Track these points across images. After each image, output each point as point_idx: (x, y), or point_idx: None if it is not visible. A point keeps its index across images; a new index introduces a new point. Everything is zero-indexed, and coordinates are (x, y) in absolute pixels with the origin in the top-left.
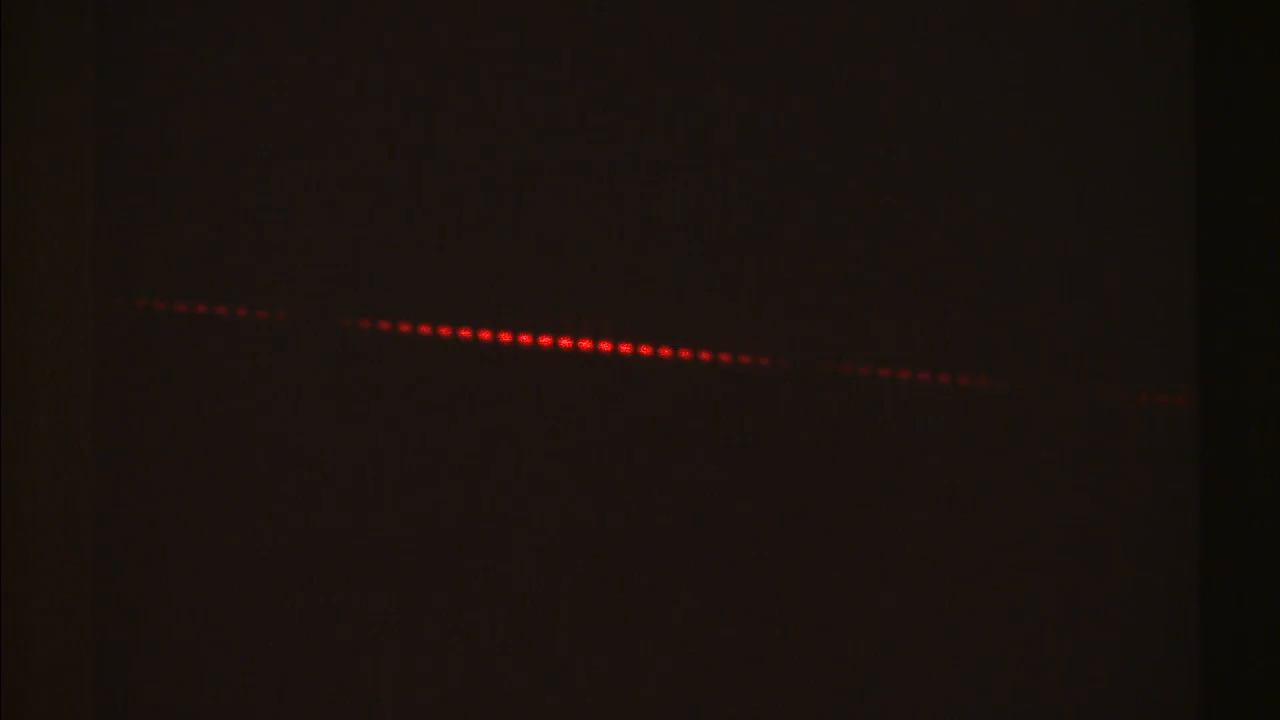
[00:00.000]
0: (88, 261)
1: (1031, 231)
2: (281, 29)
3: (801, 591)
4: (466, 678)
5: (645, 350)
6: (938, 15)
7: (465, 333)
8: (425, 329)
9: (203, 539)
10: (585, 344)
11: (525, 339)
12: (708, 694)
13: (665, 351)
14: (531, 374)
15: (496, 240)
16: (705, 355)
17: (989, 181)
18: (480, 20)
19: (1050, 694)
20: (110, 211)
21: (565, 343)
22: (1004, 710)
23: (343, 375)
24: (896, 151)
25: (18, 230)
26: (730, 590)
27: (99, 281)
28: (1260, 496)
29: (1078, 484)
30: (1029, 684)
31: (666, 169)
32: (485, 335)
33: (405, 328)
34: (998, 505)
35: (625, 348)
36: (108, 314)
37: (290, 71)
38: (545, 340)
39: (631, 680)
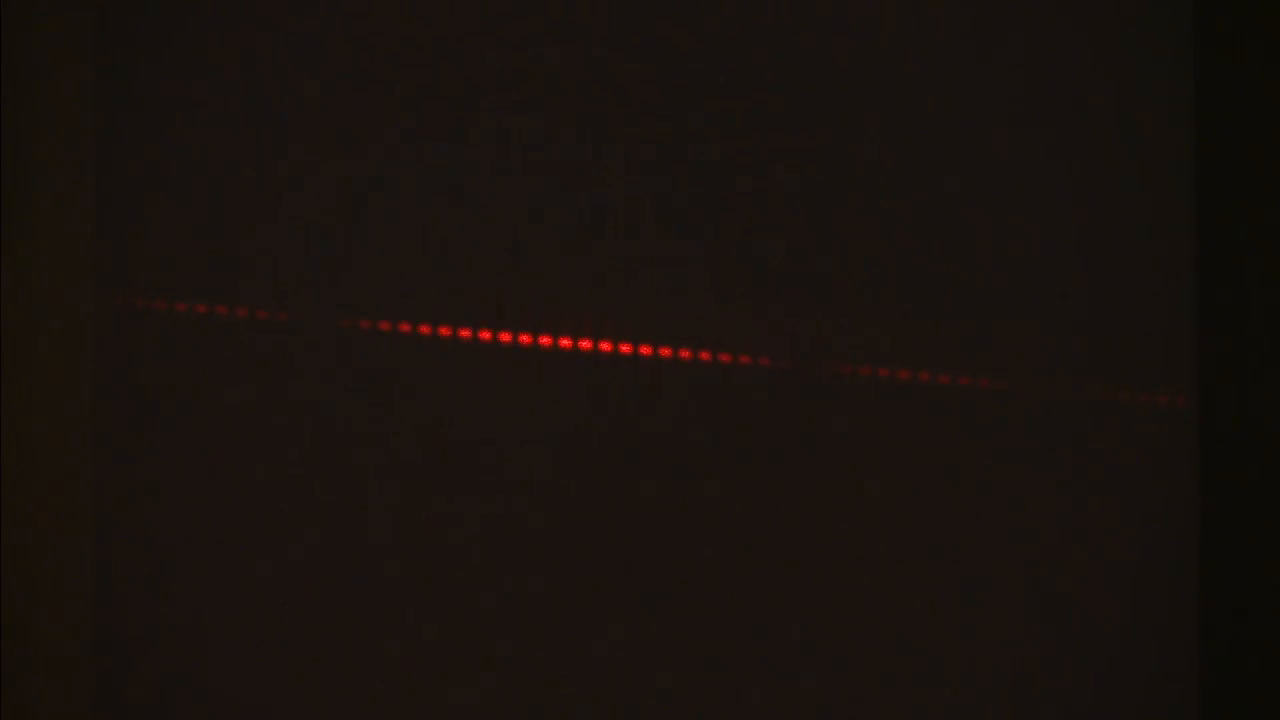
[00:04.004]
0: (88, 261)
1: (1031, 232)
2: (282, 29)
3: (801, 591)
4: (466, 676)
5: (645, 350)
6: (938, 15)
7: (465, 333)
8: (425, 329)
9: (202, 539)
10: (585, 344)
11: (525, 339)
12: (707, 694)
13: (665, 351)
14: (531, 374)
15: (496, 240)
16: (705, 355)
17: (989, 182)
18: (481, 20)
19: (1050, 693)
20: (110, 211)
21: (565, 343)
22: (1003, 710)
23: (343, 375)
24: (896, 152)
25: (18, 230)
26: (730, 590)
27: (99, 281)
28: (1260, 496)
29: (1078, 484)
30: (1029, 683)
31: (667, 169)
32: (485, 335)
33: (405, 328)
34: (998, 505)
35: (625, 348)
36: (108, 314)
37: (290, 71)
38: (545, 340)
39: (631, 680)
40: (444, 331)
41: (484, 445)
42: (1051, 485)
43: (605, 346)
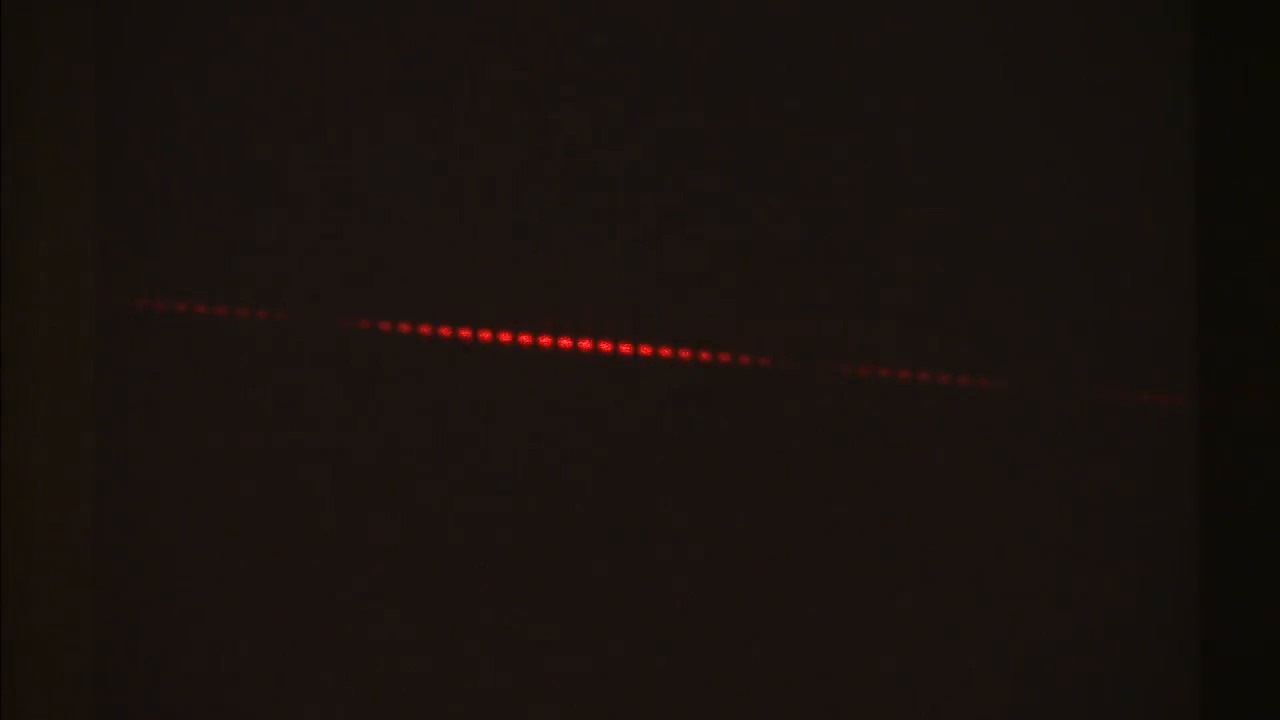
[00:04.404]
0: (88, 261)
1: (1031, 231)
2: (282, 29)
3: (801, 591)
4: (467, 677)
5: (645, 350)
6: (937, 15)
7: (465, 333)
8: (425, 329)
9: (202, 539)
10: (585, 344)
11: (525, 339)
12: (708, 694)
13: (665, 351)
14: (532, 374)
15: (497, 240)
16: (705, 355)
17: (989, 181)
18: (482, 22)
19: (1050, 693)
20: (110, 211)
21: (565, 343)
22: (1003, 710)
23: (343, 375)
24: (896, 152)
25: (18, 230)
26: (730, 590)
27: (99, 281)
28: (1260, 496)
29: (1078, 484)
30: (1028, 683)
31: (668, 169)
32: (485, 335)
33: (405, 328)
34: (998, 505)
35: (625, 348)
36: (108, 314)
37: (291, 71)
38: (545, 340)
39: (632, 680)
40: (444, 331)
41: (484, 445)
42: (1051, 485)
43: (605, 346)
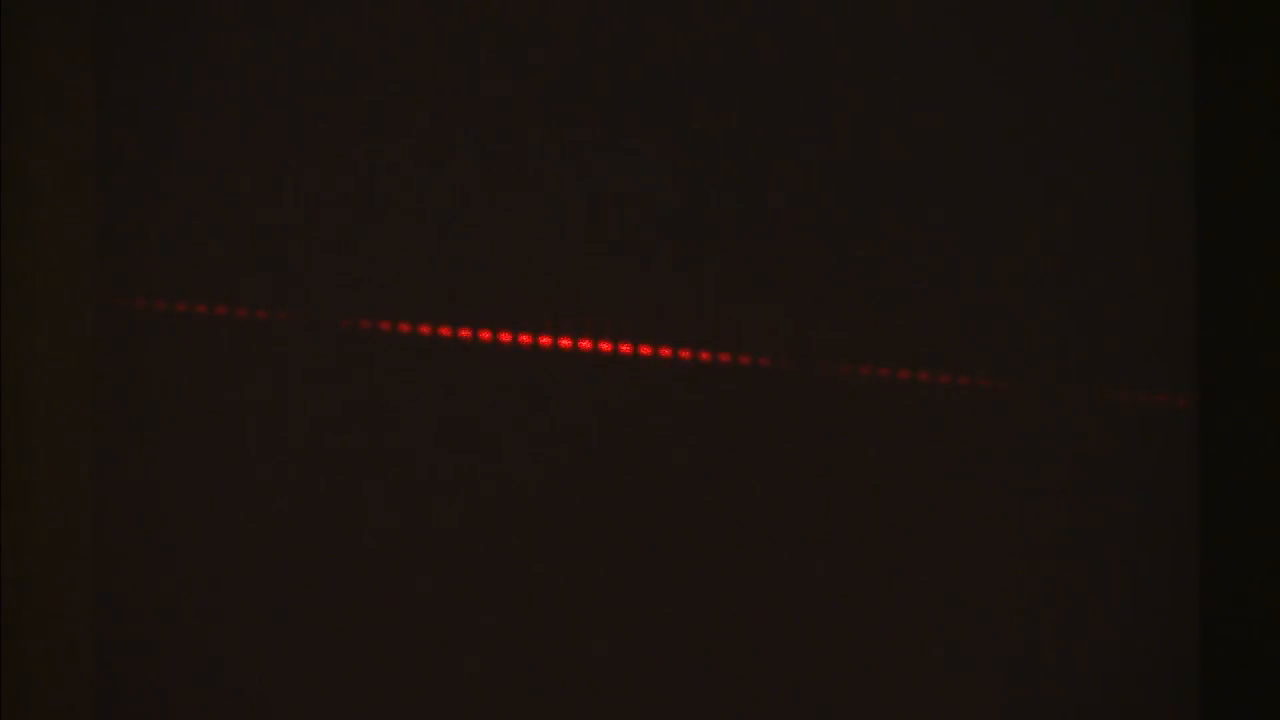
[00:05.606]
0: (88, 261)
1: (1032, 232)
2: (282, 30)
3: (800, 590)
4: (465, 674)
5: (645, 350)
6: (937, 15)
7: (465, 333)
8: (425, 329)
9: (202, 538)
10: (585, 344)
11: (525, 339)
12: (706, 694)
13: (665, 352)
14: (532, 374)
15: (497, 240)
16: (705, 355)
17: (989, 181)
18: (480, 22)
19: (1050, 693)
20: (110, 211)
21: (565, 343)
22: (1003, 710)
23: (343, 375)
24: (897, 152)
25: (18, 230)
26: (731, 589)
27: (99, 281)
28: (1260, 496)
29: (1078, 484)
30: (1028, 683)
31: (668, 169)
32: (485, 335)
33: (405, 328)
34: (998, 505)
35: (625, 348)
36: (108, 314)
37: (290, 71)
38: (545, 340)
39: (630, 679)
40: (444, 331)
41: (484, 445)
42: (1051, 485)
43: (605, 346)
